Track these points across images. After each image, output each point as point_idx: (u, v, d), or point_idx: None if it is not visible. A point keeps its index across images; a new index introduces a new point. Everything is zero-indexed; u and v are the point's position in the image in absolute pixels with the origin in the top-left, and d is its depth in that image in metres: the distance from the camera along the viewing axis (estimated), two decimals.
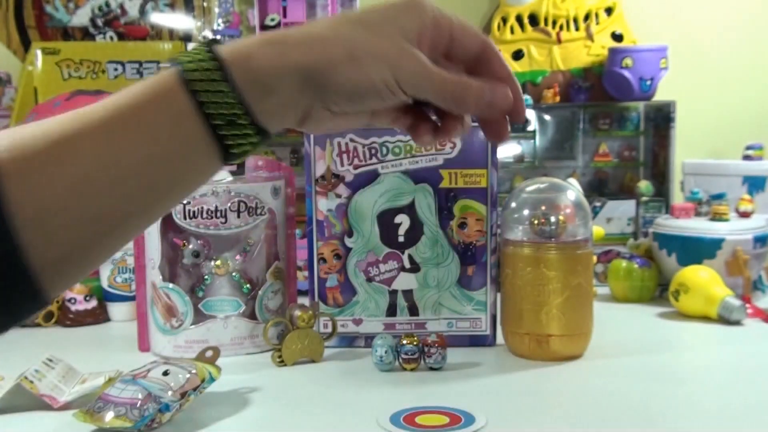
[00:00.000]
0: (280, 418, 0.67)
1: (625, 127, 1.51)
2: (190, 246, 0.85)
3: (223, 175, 0.87)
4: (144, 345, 0.90)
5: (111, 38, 1.82)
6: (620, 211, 1.39)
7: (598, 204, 1.39)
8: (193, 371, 0.67)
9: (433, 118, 0.47)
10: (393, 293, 0.89)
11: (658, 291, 1.09)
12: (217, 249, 0.86)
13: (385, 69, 0.40)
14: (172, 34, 1.84)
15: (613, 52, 1.47)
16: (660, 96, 1.47)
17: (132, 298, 1.01)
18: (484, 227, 0.88)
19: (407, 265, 0.88)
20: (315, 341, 0.84)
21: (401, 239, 0.88)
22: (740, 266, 1.02)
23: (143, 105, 0.37)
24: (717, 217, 1.07)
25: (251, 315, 0.88)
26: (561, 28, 1.54)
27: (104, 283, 1.05)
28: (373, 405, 0.68)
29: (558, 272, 0.81)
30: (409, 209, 0.88)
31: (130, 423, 0.62)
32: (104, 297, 1.06)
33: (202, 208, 0.84)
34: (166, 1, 1.84)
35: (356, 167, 0.87)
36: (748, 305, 0.96)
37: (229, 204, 0.85)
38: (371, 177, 0.87)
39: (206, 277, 0.86)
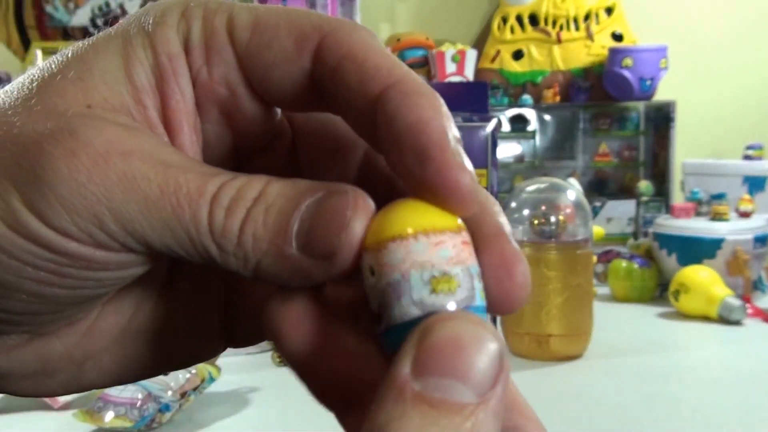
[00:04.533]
0: (280, 418, 0.67)
1: (625, 127, 1.51)
2: None
3: None
4: None
5: None
6: (620, 211, 1.39)
7: (598, 204, 1.39)
8: (193, 371, 0.67)
9: None
10: None
11: (658, 291, 1.09)
12: None
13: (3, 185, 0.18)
14: None
15: (613, 52, 1.47)
16: (660, 96, 1.47)
17: None
18: None
19: None
20: None
21: None
22: (740, 266, 1.02)
23: None
24: (717, 217, 1.07)
25: None
26: (561, 28, 1.54)
27: None
28: None
29: (558, 272, 0.81)
30: None
31: (130, 423, 0.62)
32: None
33: None
34: None
35: None
36: (748, 305, 0.96)
37: None
38: None
39: None
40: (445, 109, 0.18)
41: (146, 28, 0.20)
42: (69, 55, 0.20)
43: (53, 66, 0.20)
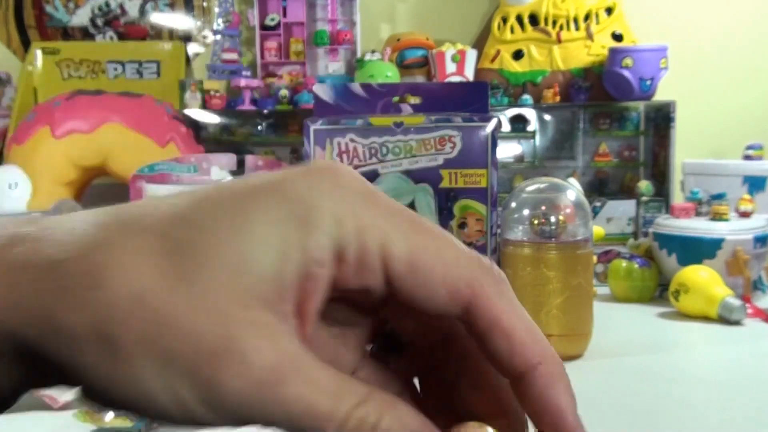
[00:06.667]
0: None
1: (625, 127, 1.51)
2: None
3: (223, 176, 0.87)
4: None
5: (111, 38, 1.82)
6: (620, 211, 1.39)
7: (598, 204, 1.39)
8: None
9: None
10: None
11: (658, 291, 1.09)
12: None
13: (180, 379, 0.19)
14: (171, 34, 1.84)
15: (613, 52, 1.47)
16: (660, 96, 1.47)
17: None
18: (484, 227, 0.88)
19: None
20: None
21: None
22: (740, 266, 1.02)
23: None
24: (717, 217, 1.07)
25: None
26: (561, 28, 1.54)
27: None
28: None
29: (558, 272, 0.81)
30: (409, 209, 0.88)
31: (130, 423, 0.62)
32: None
33: None
34: (166, 1, 1.84)
35: (356, 167, 0.87)
36: (748, 305, 0.96)
37: None
38: (371, 177, 0.87)
39: None
40: (571, 388, 0.22)
41: (302, 223, 0.20)
42: (226, 193, 0.21)
43: (207, 205, 0.21)
